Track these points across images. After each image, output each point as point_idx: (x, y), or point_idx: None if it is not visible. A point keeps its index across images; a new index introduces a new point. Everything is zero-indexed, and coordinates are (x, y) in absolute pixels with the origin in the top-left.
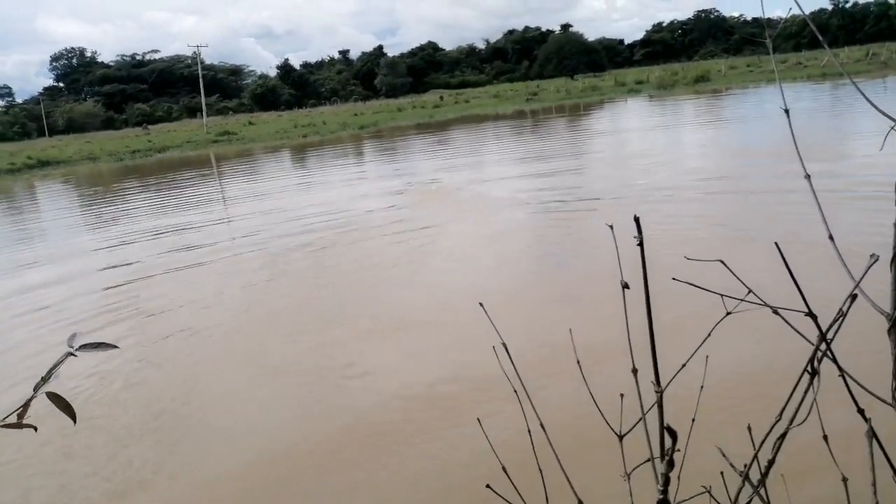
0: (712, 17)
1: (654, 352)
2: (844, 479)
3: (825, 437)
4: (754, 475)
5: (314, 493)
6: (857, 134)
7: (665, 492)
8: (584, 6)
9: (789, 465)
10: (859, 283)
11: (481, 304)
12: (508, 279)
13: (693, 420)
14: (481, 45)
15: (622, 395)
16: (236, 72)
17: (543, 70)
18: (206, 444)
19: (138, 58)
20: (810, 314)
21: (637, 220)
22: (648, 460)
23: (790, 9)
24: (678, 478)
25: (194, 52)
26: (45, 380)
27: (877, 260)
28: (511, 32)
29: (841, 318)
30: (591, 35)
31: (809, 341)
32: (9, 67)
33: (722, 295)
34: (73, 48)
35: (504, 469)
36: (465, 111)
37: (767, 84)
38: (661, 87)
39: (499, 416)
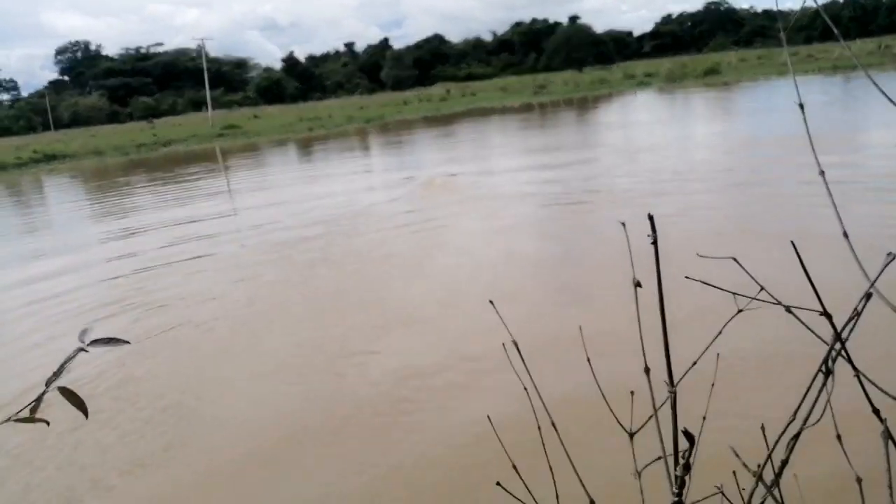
0: (722, 8)
1: (667, 350)
2: (859, 480)
3: (839, 437)
4: (767, 475)
5: (316, 483)
6: (871, 126)
7: (680, 494)
8: None
9: (802, 466)
10: (874, 282)
11: (491, 302)
12: (516, 273)
13: (704, 418)
14: (488, 38)
15: (632, 393)
16: (241, 64)
17: (551, 62)
18: (209, 433)
19: (142, 51)
20: (825, 314)
21: (651, 218)
22: (660, 458)
23: (804, 0)
24: (688, 477)
25: (198, 45)
26: (56, 374)
27: (893, 258)
28: (518, 24)
29: (856, 318)
30: (599, 27)
31: (824, 341)
32: (14, 61)
33: (734, 293)
34: (77, 42)
35: (514, 467)
36: (471, 104)
37: (779, 77)
38: (670, 79)
39: (507, 412)
